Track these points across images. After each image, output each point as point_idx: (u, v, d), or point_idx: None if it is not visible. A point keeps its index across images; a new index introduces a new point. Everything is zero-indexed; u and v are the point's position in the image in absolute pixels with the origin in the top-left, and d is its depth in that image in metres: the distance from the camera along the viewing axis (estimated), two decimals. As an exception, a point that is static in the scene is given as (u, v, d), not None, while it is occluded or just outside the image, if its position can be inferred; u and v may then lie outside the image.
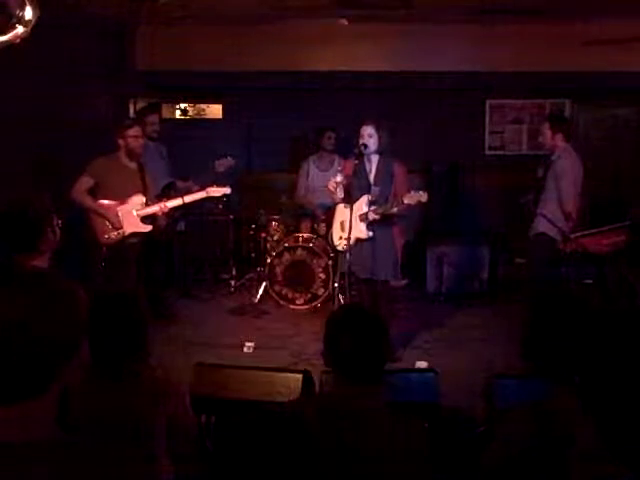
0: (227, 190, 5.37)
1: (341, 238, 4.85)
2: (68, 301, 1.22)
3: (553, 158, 5.31)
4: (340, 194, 4.79)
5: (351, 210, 4.68)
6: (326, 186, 6.62)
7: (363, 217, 4.74)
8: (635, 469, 1.39)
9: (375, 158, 4.80)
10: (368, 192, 4.77)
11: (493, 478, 1.85)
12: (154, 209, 5.14)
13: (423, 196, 4.45)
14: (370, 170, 4.82)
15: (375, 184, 4.78)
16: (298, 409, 2.10)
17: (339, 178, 4.77)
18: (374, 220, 4.71)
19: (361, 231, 4.76)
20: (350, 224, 4.62)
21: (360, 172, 4.78)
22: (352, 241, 4.69)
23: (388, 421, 2.01)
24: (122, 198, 5.06)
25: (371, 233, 4.74)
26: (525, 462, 1.69)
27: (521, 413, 1.86)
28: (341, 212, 4.93)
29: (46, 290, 1.20)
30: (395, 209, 4.62)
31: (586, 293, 5.65)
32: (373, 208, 4.68)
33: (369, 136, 4.68)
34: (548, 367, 1.96)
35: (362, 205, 4.75)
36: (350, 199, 4.77)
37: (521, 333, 2.13)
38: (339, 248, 4.91)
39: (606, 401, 1.45)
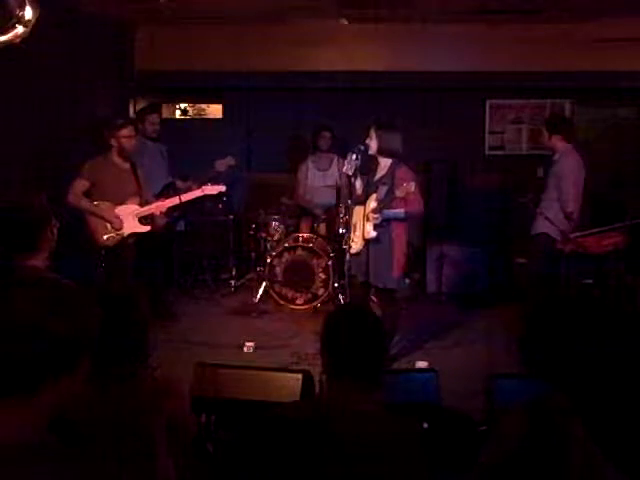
0: (222, 188, 5.39)
1: (353, 241, 4.80)
2: (73, 303, 1.22)
3: (554, 159, 5.36)
4: (350, 170, 4.77)
5: (364, 210, 4.71)
6: (325, 186, 6.70)
7: (369, 217, 4.71)
8: (627, 470, 1.40)
9: (384, 160, 4.79)
10: (375, 192, 4.75)
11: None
12: (151, 209, 5.14)
13: (410, 186, 4.44)
14: (378, 171, 4.83)
15: (382, 184, 4.77)
16: (297, 410, 2.10)
17: (353, 156, 4.73)
18: (375, 221, 4.65)
19: (367, 232, 4.69)
20: (363, 224, 4.64)
21: (370, 173, 4.84)
22: (362, 243, 4.70)
23: (385, 422, 2.00)
24: (117, 198, 5.07)
25: (375, 234, 4.64)
26: (520, 464, 1.69)
27: (515, 414, 1.86)
28: (356, 214, 4.85)
29: (50, 291, 1.20)
30: (390, 211, 4.60)
31: (586, 293, 5.65)
32: (373, 207, 4.65)
33: (370, 138, 4.74)
34: (544, 367, 1.95)
35: (370, 204, 4.71)
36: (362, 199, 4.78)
37: (519, 333, 2.13)
38: (352, 251, 4.77)
39: (596, 403, 1.45)
